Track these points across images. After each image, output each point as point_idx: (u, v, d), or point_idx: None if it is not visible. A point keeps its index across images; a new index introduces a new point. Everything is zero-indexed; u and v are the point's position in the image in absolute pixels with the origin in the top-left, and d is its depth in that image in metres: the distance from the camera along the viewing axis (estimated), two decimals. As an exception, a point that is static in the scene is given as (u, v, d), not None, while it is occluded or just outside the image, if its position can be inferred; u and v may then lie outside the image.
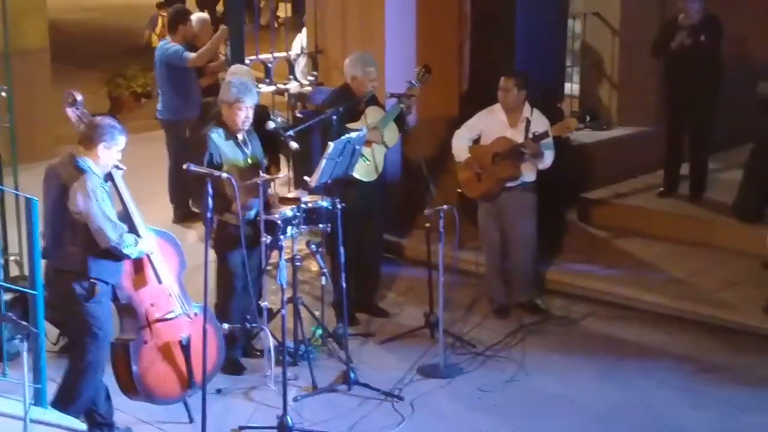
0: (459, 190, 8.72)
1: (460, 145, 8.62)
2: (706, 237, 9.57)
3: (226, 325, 7.27)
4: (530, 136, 8.38)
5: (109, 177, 6.55)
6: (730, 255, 9.32)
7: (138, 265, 6.67)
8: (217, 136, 7.43)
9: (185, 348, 6.87)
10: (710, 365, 7.92)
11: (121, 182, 6.60)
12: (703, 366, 7.90)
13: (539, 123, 8.52)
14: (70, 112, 6.87)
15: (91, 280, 6.45)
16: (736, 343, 8.19)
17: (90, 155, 6.44)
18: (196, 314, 6.95)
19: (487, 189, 8.53)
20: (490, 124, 8.58)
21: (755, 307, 8.43)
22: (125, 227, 6.46)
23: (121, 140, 6.54)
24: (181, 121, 10.36)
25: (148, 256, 6.68)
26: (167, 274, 6.80)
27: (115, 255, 6.45)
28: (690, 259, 9.37)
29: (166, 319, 6.81)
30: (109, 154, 6.48)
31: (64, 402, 6.66)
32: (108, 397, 6.83)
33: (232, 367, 7.69)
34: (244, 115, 7.47)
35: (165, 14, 17.54)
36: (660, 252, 9.53)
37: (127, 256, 6.51)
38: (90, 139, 6.46)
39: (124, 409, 7.03)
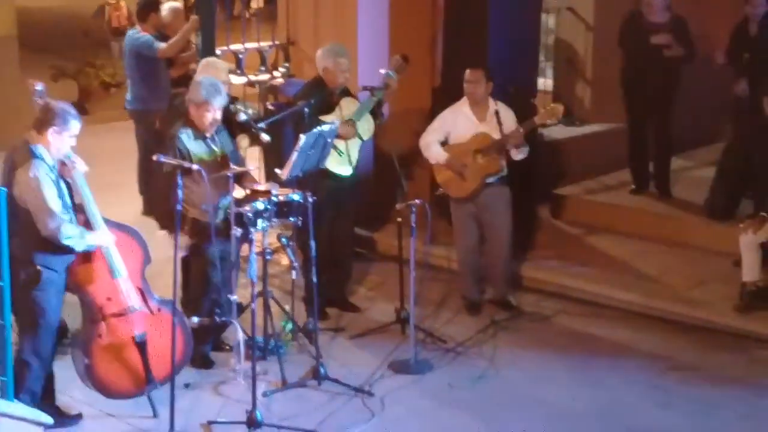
0: (439, 192, 8.61)
1: (434, 147, 8.52)
2: (678, 235, 9.56)
3: (196, 319, 7.20)
4: (507, 128, 8.35)
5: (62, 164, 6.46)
6: (702, 253, 9.31)
7: (90, 258, 6.59)
8: (186, 136, 7.33)
9: (140, 344, 6.80)
10: (681, 363, 7.91)
11: (77, 174, 6.50)
12: (673, 364, 7.90)
13: (507, 114, 8.51)
14: (35, 102, 6.77)
15: (37, 267, 6.36)
16: (706, 342, 8.20)
17: (41, 140, 6.36)
18: (159, 309, 6.87)
19: (474, 187, 8.46)
20: (457, 123, 8.52)
21: (726, 305, 8.44)
22: (68, 218, 6.37)
23: (74, 125, 6.43)
24: (150, 111, 10.23)
25: (102, 250, 6.59)
26: (123, 268, 6.71)
27: (55, 243, 6.35)
28: (662, 257, 9.36)
29: (122, 315, 6.73)
30: (60, 139, 6.38)
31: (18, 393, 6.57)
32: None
33: (201, 361, 7.62)
34: (212, 117, 7.37)
35: (112, 2, 17.49)
36: (632, 249, 9.52)
37: (70, 248, 6.41)
38: (41, 123, 6.38)
39: (90, 402, 6.97)
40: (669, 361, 7.93)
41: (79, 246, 6.44)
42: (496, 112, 8.46)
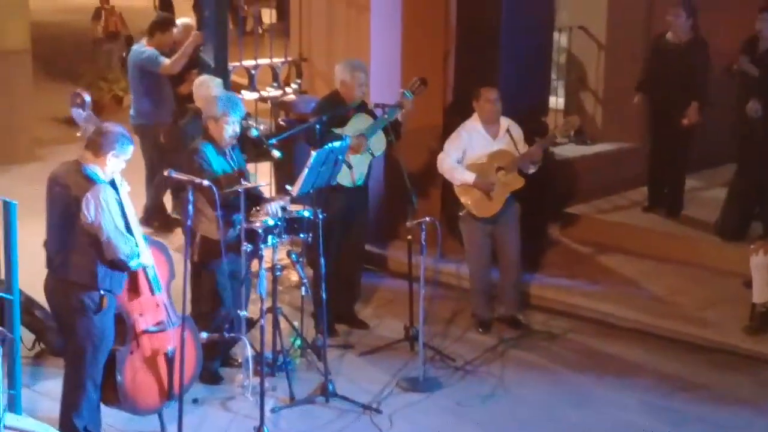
0: (463, 212, 8.54)
1: (458, 168, 8.45)
2: (689, 255, 9.54)
3: (205, 334, 7.19)
4: (519, 144, 8.40)
5: (112, 185, 6.44)
6: (712, 273, 9.31)
7: (134, 275, 6.56)
8: (208, 151, 7.35)
9: (170, 360, 6.77)
10: (690, 384, 7.89)
11: (124, 193, 6.47)
12: (683, 384, 7.87)
13: (517, 131, 8.56)
14: (76, 113, 6.76)
15: (101, 292, 6.33)
16: (716, 362, 8.17)
17: (98, 163, 6.32)
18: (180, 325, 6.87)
19: (501, 206, 8.45)
20: (472, 141, 8.50)
21: (736, 326, 8.42)
22: (134, 239, 6.37)
23: (130, 150, 6.43)
24: (154, 126, 10.18)
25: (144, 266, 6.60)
26: (160, 284, 6.71)
27: (118, 266, 6.35)
28: (672, 277, 9.35)
29: (155, 331, 6.71)
30: (116, 163, 6.37)
31: (67, 421, 6.53)
32: (98, 408, 6.69)
33: (210, 376, 7.60)
34: (232, 130, 7.40)
35: (108, 7, 17.67)
36: (642, 269, 9.51)
37: (130, 268, 6.41)
38: (100, 146, 6.31)
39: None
40: (679, 382, 7.91)
41: (134, 266, 6.43)
42: (508, 129, 8.48)
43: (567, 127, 8.74)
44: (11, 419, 6.39)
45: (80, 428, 6.54)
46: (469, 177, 8.42)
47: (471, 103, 8.62)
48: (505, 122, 8.54)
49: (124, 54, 16.96)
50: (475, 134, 8.52)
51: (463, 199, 8.50)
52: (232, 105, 7.40)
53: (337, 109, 8.22)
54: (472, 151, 8.48)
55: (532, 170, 8.50)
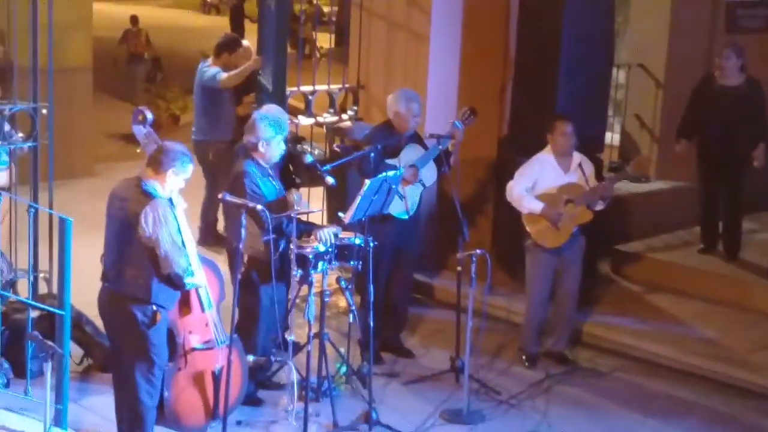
0: (529, 242, 8.50)
1: (527, 197, 8.41)
2: (741, 298, 9.46)
3: (251, 357, 7.22)
4: (603, 177, 8.47)
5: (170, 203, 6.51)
6: (764, 317, 9.19)
7: (186, 292, 6.60)
8: (255, 173, 7.40)
9: (217, 378, 6.81)
10: (738, 428, 7.80)
11: (180, 213, 6.51)
12: (729, 429, 7.79)
13: (588, 166, 8.53)
14: (137, 130, 6.83)
15: (153, 307, 6.37)
16: (765, 408, 8.05)
17: (158, 179, 6.39)
18: (228, 345, 6.90)
19: (567, 237, 8.42)
20: (544, 173, 8.46)
21: (787, 372, 8.32)
22: (188, 257, 6.42)
23: (190, 168, 6.50)
24: (206, 142, 10.33)
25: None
26: (211, 302, 6.75)
27: (173, 282, 6.39)
28: (723, 320, 9.25)
29: (204, 349, 6.76)
30: (176, 181, 6.43)
31: None
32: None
33: (247, 398, 7.57)
34: (282, 148, 7.49)
35: (135, 30, 17.99)
36: (693, 310, 9.42)
37: (185, 285, 6.45)
38: (160, 163, 6.39)
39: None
40: (725, 425, 7.82)
41: (189, 284, 6.48)
42: (580, 164, 8.46)
43: (640, 165, 8.70)
44: (58, 434, 6.45)
45: None
46: (537, 206, 8.38)
47: (527, 136, 8.60)
48: (577, 157, 8.50)
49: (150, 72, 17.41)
50: (548, 166, 8.48)
51: (529, 228, 8.47)
52: (280, 126, 7.48)
53: (389, 140, 8.24)
54: (543, 182, 8.44)
55: (600, 206, 8.44)
